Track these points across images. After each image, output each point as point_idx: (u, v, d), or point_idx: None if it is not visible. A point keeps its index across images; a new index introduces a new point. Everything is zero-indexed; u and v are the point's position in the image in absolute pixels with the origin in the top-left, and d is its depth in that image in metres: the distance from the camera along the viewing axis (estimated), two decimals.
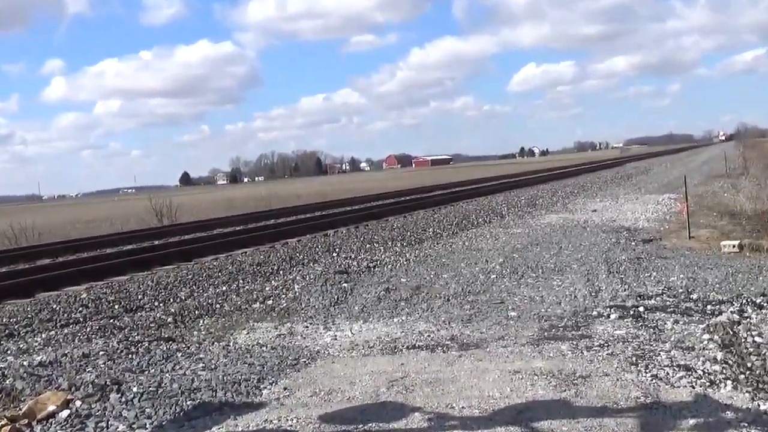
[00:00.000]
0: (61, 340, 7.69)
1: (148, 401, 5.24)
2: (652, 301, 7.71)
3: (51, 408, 5.05)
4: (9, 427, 4.72)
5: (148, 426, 4.78)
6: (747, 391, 4.80)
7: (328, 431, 4.45)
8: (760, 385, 4.97)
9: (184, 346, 7.02)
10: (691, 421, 4.26)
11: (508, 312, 7.64)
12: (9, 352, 7.32)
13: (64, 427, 4.79)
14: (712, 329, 6.30)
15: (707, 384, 4.94)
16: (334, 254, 13.36)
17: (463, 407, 4.71)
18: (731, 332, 6.21)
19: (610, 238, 13.14)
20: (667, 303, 7.60)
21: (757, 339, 6.03)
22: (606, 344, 6.06)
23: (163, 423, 4.82)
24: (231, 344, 6.98)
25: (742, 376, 5.13)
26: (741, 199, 18.38)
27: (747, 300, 7.47)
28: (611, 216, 17.37)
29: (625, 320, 6.91)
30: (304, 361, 6.15)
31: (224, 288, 10.42)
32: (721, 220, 15.33)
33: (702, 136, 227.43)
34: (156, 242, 19.51)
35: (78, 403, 5.24)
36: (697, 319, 6.81)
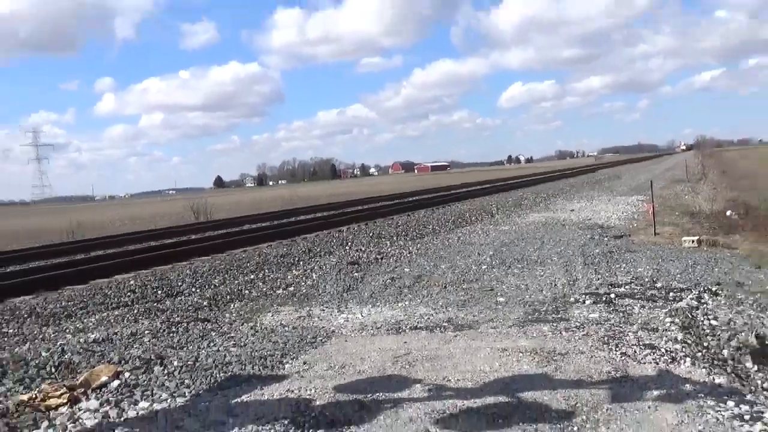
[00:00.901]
0: (112, 321, 7.74)
1: (187, 373, 5.27)
2: (622, 289, 7.70)
3: (103, 379, 5.09)
4: (68, 394, 4.76)
5: (186, 394, 4.80)
6: (704, 367, 4.80)
7: (341, 399, 4.46)
8: (715, 362, 4.97)
9: (217, 326, 7.05)
10: (655, 393, 4.26)
11: (497, 298, 7.64)
12: (68, 330, 7.38)
13: (114, 395, 4.83)
14: (673, 313, 6.29)
15: (669, 360, 4.93)
16: (347, 247, 13.37)
17: (458, 379, 4.72)
18: (690, 316, 6.20)
19: (585, 234, 13.11)
20: (635, 290, 7.59)
21: (712, 322, 6.02)
22: (582, 326, 6.05)
23: (200, 392, 4.85)
24: (258, 325, 7.00)
25: (700, 354, 5.12)
26: (700, 201, 18.32)
27: (704, 288, 7.45)
28: (587, 215, 17.32)
29: (599, 305, 6.90)
30: (321, 340, 6.17)
31: (252, 276, 10.44)
32: (682, 218, 15.29)
33: (666, 146, 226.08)
34: (193, 236, 19.57)
35: (127, 374, 5.27)
36: (661, 305, 6.80)
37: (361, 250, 12.75)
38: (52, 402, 4.66)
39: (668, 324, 5.97)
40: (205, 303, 8.46)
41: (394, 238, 14.69)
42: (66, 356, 5.99)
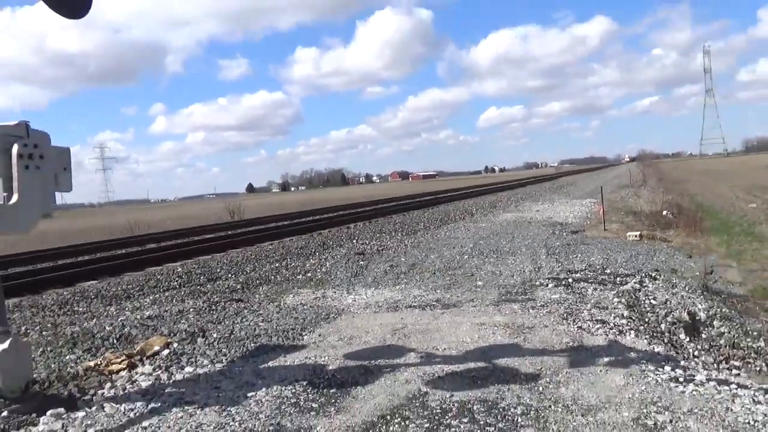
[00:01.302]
0: (163, 301, 7.73)
1: (224, 343, 5.25)
2: (578, 275, 7.67)
3: (156, 348, 5.08)
4: (127, 361, 4.74)
5: (224, 361, 4.79)
6: (645, 338, 4.79)
7: (349, 365, 4.45)
8: (655, 334, 4.96)
9: (249, 305, 7.02)
10: (606, 359, 4.25)
11: (476, 282, 7.61)
12: (126, 309, 7.36)
13: (165, 362, 4.81)
14: (620, 294, 6.27)
15: (617, 333, 4.92)
16: (354, 241, 13.34)
17: (444, 348, 4.70)
18: (634, 297, 6.19)
19: (548, 230, 13.08)
20: (589, 276, 7.57)
21: (652, 301, 6.01)
22: (545, 305, 6.03)
23: (235, 359, 4.83)
24: (282, 304, 6.98)
25: (642, 328, 5.11)
26: (641, 203, 18.31)
27: (645, 274, 7.44)
28: (549, 215, 17.28)
29: (559, 288, 6.88)
30: (333, 316, 6.14)
31: (277, 264, 10.41)
32: (627, 217, 15.27)
33: (613, 158, 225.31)
34: (229, 232, 19.53)
35: (175, 344, 5.26)
36: (610, 287, 6.78)
37: (365, 243, 12.72)
38: (114, 367, 4.65)
39: (616, 303, 5.95)
40: (238, 286, 8.44)
41: (393, 233, 14.65)
42: (125, 330, 5.98)
